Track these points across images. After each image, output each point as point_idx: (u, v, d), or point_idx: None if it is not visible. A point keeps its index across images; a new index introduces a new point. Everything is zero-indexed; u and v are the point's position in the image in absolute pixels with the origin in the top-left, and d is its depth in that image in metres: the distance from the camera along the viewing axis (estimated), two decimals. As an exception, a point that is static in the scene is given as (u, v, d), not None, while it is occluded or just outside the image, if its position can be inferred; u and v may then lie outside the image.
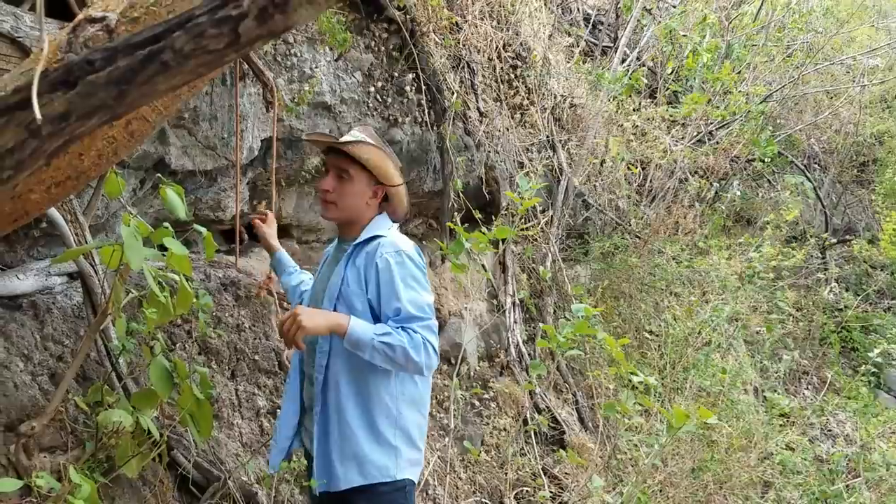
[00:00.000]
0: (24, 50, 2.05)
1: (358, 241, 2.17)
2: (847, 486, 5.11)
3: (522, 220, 4.44)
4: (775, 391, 6.36)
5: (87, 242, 2.57)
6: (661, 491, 3.92)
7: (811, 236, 6.92)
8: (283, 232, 4.13)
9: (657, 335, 5.46)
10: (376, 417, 2.08)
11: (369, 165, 2.15)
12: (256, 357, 3.21)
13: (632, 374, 2.71)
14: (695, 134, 6.29)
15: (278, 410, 3.24)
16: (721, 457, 3.91)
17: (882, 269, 7.46)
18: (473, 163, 4.76)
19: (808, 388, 7.05)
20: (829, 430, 6.63)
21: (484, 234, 3.00)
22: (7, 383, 2.38)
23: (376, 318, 2.08)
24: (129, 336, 2.56)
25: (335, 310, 2.09)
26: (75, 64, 0.88)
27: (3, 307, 2.57)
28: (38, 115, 0.83)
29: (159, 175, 2.74)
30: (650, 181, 6.26)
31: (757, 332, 6.67)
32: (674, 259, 5.73)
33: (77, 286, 2.78)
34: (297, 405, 2.28)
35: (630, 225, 5.89)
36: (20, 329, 2.54)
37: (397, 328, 2.01)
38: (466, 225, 3.98)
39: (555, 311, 5.16)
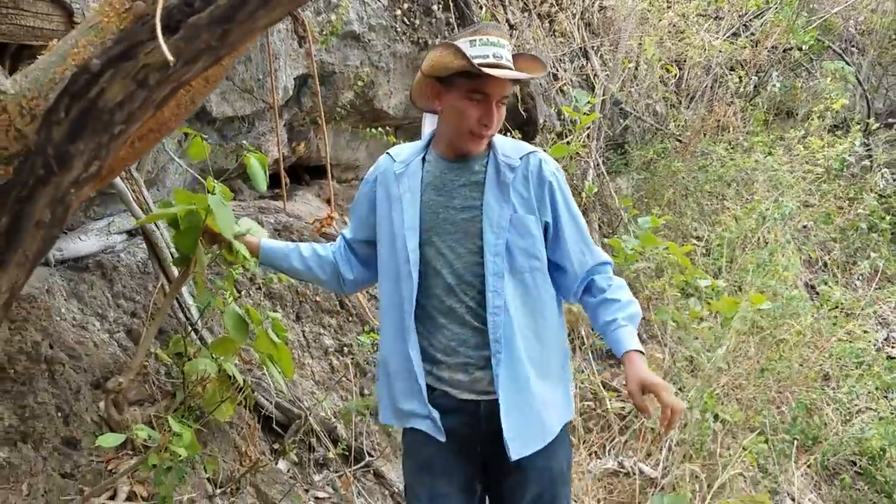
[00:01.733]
0: (64, 8, 2.03)
1: (504, 159, 1.84)
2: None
3: (564, 137, 4.37)
4: (825, 283, 6.34)
5: (144, 199, 2.60)
6: (726, 395, 3.97)
7: (855, 122, 6.74)
8: (321, 172, 4.14)
9: (705, 241, 5.43)
10: (553, 354, 1.87)
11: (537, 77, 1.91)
12: (318, 299, 3.26)
13: (699, 278, 2.70)
14: (730, 27, 6.08)
15: (373, 358, 3.28)
16: (786, 355, 3.93)
17: (932, 150, 7.26)
18: (506, 80, 4.68)
19: (859, 279, 7.01)
20: (884, 319, 6.61)
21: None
22: (87, 343, 2.45)
23: (545, 237, 1.86)
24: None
25: (503, 241, 1.79)
26: (174, 7, 0.86)
27: (71, 269, 2.62)
28: (170, 57, 0.81)
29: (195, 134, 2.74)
30: (687, 81, 6.10)
31: (804, 227, 6.60)
32: (718, 161, 5.63)
33: (137, 242, 2.83)
34: (417, 352, 1.82)
35: (670, 129, 5.77)
36: (91, 289, 2.60)
37: (609, 286, 1.86)
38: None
39: (600, 227, 5.14)
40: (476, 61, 1.70)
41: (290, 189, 3.80)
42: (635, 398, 1.72)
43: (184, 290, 2.63)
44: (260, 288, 3.05)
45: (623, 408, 3.97)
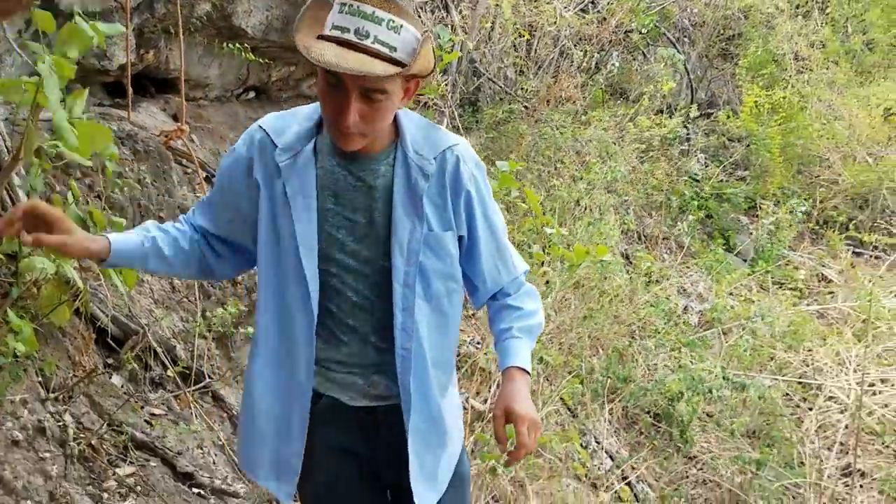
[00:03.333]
0: None
1: (415, 160, 1.51)
2: (699, 337, 5.84)
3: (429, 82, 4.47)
4: (638, 252, 7.00)
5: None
6: (550, 340, 4.33)
7: (678, 108, 7.44)
8: (169, 87, 3.95)
9: (541, 204, 5.81)
10: (451, 390, 1.68)
11: (423, 73, 1.44)
12: (162, 214, 3.15)
13: (545, 225, 2.94)
14: (580, 0, 6.46)
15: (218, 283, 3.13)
16: (605, 307, 4.36)
17: (739, 142, 8.19)
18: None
19: (667, 252, 7.80)
20: (685, 289, 7.44)
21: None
22: None
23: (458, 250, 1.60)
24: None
25: (414, 267, 1.52)
26: None
27: None
28: None
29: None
30: (536, 50, 6.42)
31: (625, 200, 7.23)
32: (558, 129, 6.01)
33: (-39, 133, 2.59)
34: (305, 400, 1.56)
35: (518, 94, 6.07)
36: None
37: (515, 293, 1.67)
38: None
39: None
40: (331, 32, 1.34)
41: (134, 100, 3.60)
42: (497, 426, 1.55)
43: (18, 188, 2.46)
44: (99, 197, 2.89)
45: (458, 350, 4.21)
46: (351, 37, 1.32)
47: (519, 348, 1.62)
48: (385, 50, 1.33)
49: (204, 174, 3.40)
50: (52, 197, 2.41)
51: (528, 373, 1.60)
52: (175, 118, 3.78)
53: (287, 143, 1.50)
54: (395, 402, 1.58)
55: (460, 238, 1.58)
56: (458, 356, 4.04)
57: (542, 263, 3.51)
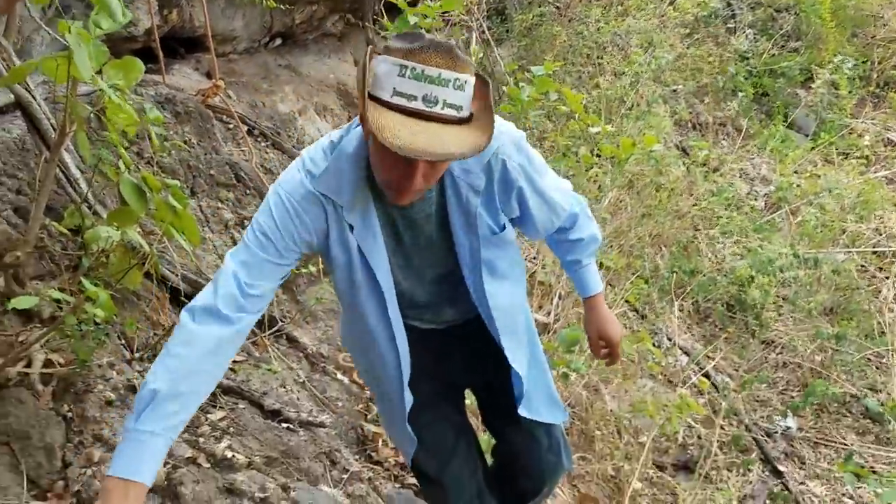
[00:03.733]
0: None
1: (463, 179, 1.52)
2: (767, 220, 5.71)
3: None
4: (693, 142, 6.82)
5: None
6: (609, 245, 4.32)
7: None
8: (198, 45, 3.99)
9: (585, 105, 5.67)
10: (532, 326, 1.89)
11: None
12: (212, 172, 3.24)
13: (590, 125, 2.89)
14: None
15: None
16: (664, 202, 4.30)
17: (787, 11, 7.76)
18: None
19: (724, 138, 7.57)
20: (747, 174, 7.23)
21: (430, 6, 2.96)
22: (-28, 225, 2.37)
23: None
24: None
25: (478, 271, 1.62)
26: None
27: (-60, 151, 2.49)
28: None
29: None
30: (562, -55, 6.17)
31: (674, 90, 7.00)
32: (594, 24, 5.82)
33: (9, 119, 2.70)
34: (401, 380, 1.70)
35: (547, -5, 5.88)
36: (-33, 171, 2.48)
37: (573, 225, 1.79)
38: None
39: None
40: (394, 100, 1.24)
41: (166, 64, 3.66)
42: (593, 346, 1.93)
43: (70, 164, 2.56)
44: (150, 163, 2.99)
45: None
46: (419, 105, 1.24)
47: (591, 275, 1.88)
48: (454, 113, 1.27)
49: (245, 128, 3.45)
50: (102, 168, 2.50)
51: (602, 292, 1.89)
52: (208, 76, 3.83)
53: (350, 199, 1.48)
54: (460, 321, 1.82)
55: (512, 216, 1.65)
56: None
57: (591, 167, 3.48)
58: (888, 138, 7.17)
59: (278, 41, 4.60)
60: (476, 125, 1.31)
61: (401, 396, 1.70)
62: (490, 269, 1.64)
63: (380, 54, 1.27)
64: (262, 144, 3.57)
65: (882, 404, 4.23)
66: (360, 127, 1.45)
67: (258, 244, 1.47)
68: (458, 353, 1.86)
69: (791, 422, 4.65)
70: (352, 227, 1.50)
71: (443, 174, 1.47)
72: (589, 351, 2.00)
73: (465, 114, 1.29)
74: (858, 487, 3.61)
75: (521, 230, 1.75)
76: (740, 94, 7.22)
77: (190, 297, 2.89)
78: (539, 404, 1.82)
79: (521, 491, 1.96)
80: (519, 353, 1.76)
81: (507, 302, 1.71)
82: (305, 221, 1.48)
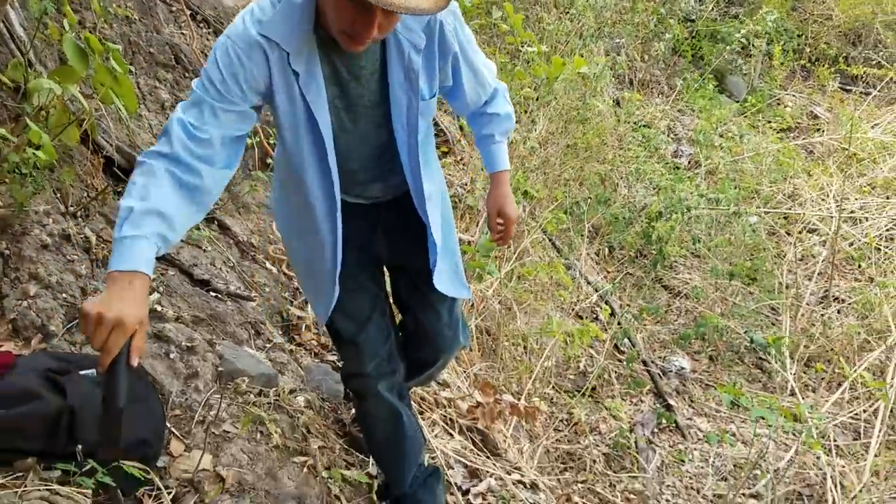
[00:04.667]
0: None
1: (406, 37, 1.67)
2: (687, 176, 6.10)
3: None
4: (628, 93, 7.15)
5: None
6: (533, 173, 4.59)
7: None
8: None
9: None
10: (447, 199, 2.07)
11: None
12: (152, 50, 3.31)
13: (526, 43, 3.09)
14: None
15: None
16: (588, 139, 4.59)
17: (733, -23, 8.13)
18: None
19: (658, 97, 7.94)
20: (675, 133, 7.64)
21: None
22: None
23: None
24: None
25: (415, 135, 1.77)
26: None
27: None
28: None
29: None
30: None
31: (616, 43, 7.29)
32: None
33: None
34: (335, 236, 1.85)
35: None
36: None
37: (492, 100, 2.00)
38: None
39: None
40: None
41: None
42: (492, 221, 2.10)
43: (14, 22, 2.62)
44: (92, 31, 3.04)
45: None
46: None
47: (502, 153, 2.06)
48: None
49: (189, 11, 3.52)
50: (49, 25, 2.57)
51: (508, 171, 2.08)
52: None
53: (297, 47, 1.58)
54: (388, 198, 1.97)
55: (443, 83, 1.80)
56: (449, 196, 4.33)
57: (523, 87, 3.70)
58: (812, 111, 7.71)
59: (225, -65, 4.61)
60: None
61: (333, 261, 1.86)
62: (423, 141, 1.80)
63: None
64: (204, 31, 3.64)
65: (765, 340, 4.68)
66: None
67: (203, 89, 1.56)
68: (382, 229, 2.04)
69: (685, 363, 5.09)
70: (297, 75, 1.60)
71: (388, 36, 1.63)
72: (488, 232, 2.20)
73: None
74: (733, 408, 4.04)
75: (451, 102, 1.94)
76: (679, 55, 7.56)
77: (123, 168, 3.00)
78: (448, 280, 2.03)
79: (422, 360, 2.23)
80: (438, 229, 1.96)
81: (436, 179, 1.92)
82: (249, 67, 1.57)
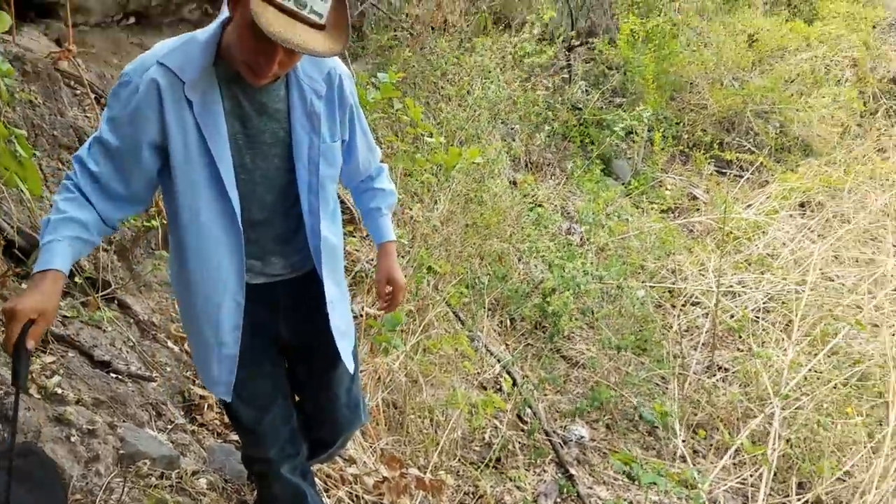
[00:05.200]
0: None
1: (308, 83, 1.82)
2: (579, 253, 6.46)
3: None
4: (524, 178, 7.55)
5: None
6: (439, 246, 4.78)
7: (559, 37, 7.92)
8: (48, 13, 4.04)
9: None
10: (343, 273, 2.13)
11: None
12: (55, 133, 3.33)
13: (428, 133, 3.32)
14: (461, -71, 6.76)
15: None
16: (487, 219, 4.86)
17: (617, 70, 8.80)
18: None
19: (552, 178, 8.40)
20: (568, 212, 8.08)
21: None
22: None
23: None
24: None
25: (316, 177, 1.85)
26: None
27: None
28: None
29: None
30: (418, -24, 6.70)
31: (511, 129, 7.72)
32: (442, 56, 6.37)
33: None
34: (240, 297, 1.87)
35: (402, 20, 6.37)
36: None
37: (377, 175, 2.16)
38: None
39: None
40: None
41: (17, 22, 3.70)
42: (381, 288, 2.18)
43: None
44: (-7, 115, 3.05)
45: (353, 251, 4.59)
46: (292, 5, 1.52)
47: (388, 224, 2.19)
48: (317, 19, 1.56)
49: (94, 95, 3.57)
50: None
51: (394, 242, 2.20)
52: (58, 43, 3.90)
53: (193, 78, 1.67)
54: (289, 276, 1.99)
55: (342, 141, 1.94)
56: (355, 273, 4.45)
57: (424, 173, 3.92)
58: (691, 192, 8.32)
59: (132, 20, 4.70)
60: (332, 34, 1.60)
61: (234, 339, 1.87)
62: (321, 187, 1.85)
63: None
64: (110, 115, 3.68)
65: (654, 413, 4.94)
66: (213, 24, 1.73)
67: (105, 122, 1.71)
68: (283, 310, 2.03)
69: (584, 432, 5.29)
70: (191, 104, 1.67)
71: (290, 78, 1.77)
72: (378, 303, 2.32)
73: (323, 22, 1.58)
74: (625, 471, 4.23)
75: (343, 167, 2.00)
76: (569, 141, 8.08)
77: (23, 249, 2.98)
78: (350, 356, 2.10)
79: (323, 440, 2.29)
80: (340, 305, 2.02)
81: (335, 240, 1.96)
82: (144, 95, 1.66)
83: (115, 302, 3.24)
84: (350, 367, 2.10)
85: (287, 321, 2.05)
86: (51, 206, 1.75)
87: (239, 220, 1.78)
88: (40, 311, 1.55)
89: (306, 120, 1.80)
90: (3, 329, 1.65)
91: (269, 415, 2.04)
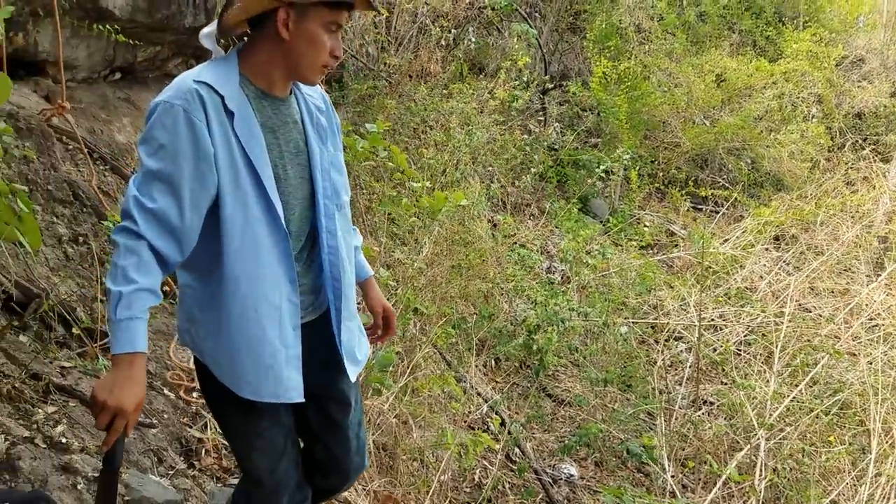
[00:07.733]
0: None
1: (310, 99, 2.00)
2: (561, 291, 6.62)
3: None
4: (503, 218, 7.74)
5: None
6: (422, 291, 4.91)
7: (533, 81, 8.20)
8: (38, 70, 4.18)
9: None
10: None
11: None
12: (50, 187, 3.45)
13: (413, 179, 3.47)
14: (435, -20, 7.05)
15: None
16: (471, 258, 5.00)
17: (591, 111, 9.08)
18: None
19: (530, 218, 8.60)
20: (548, 251, 8.26)
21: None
22: None
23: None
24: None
25: (330, 183, 1.99)
26: None
27: None
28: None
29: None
30: (396, 27, 6.96)
31: (489, 171, 7.93)
32: (421, 103, 6.59)
33: None
34: (295, 297, 1.92)
35: (381, 70, 6.59)
36: None
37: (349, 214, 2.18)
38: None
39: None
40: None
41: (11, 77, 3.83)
42: (377, 316, 2.27)
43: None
44: (-11, 172, 3.17)
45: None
46: None
47: (365, 261, 2.29)
48: None
49: (87, 149, 3.70)
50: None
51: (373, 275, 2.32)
52: (47, 99, 4.03)
53: (230, 93, 1.75)
54: (307, 319, 2.00)
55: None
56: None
57: (411, 216, 4.07)
58: (669, 229, 8.55)
59: (118, 75, 4.86)
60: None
61: (295, 338, 1.89)
62: (337, 200, 1.99)
63: None
64: (101, 167, 3.81)
65: (642, 447, 5.05)
66: (221, 55, 1.83)
67: (152, 156, 1.69)
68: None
69: (573, 470, 5.37)
70: (232, 116, 1.74)
71: (297, 95, 1.93)
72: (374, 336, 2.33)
73: None
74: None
75: None
76: (546, 181, 8.30)
77: (21, 303, 3.07)
78: (354, 376, 2.13)
79: (329, 487, 2.31)
80: (355, 337, 2.08)
81: (347, 240, 2.07)
82: (192, 108, 1.68)
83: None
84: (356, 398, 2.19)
85: (306, 368, 2.01)
86: (109, 269, 1.72)
87: (284, 224, 1.85)
88: (139, 402, 1.62)
89: (315, 131, 1.96)
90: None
91: (281, 464, 2.05)
